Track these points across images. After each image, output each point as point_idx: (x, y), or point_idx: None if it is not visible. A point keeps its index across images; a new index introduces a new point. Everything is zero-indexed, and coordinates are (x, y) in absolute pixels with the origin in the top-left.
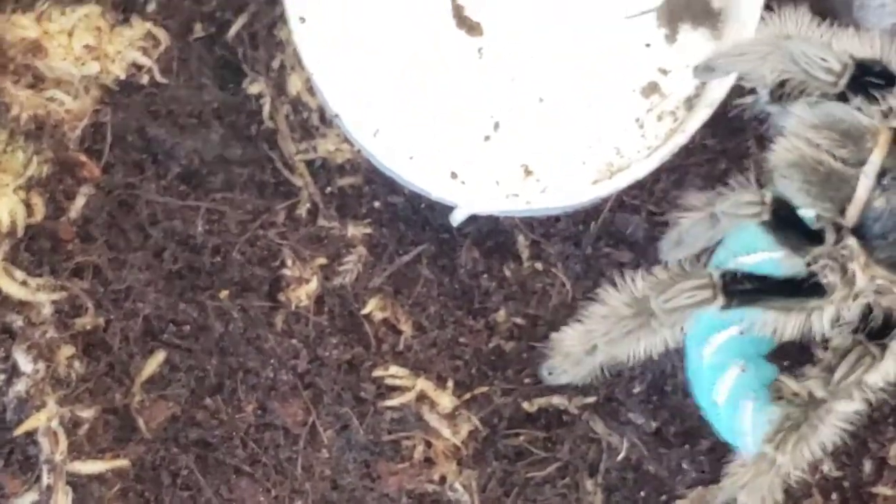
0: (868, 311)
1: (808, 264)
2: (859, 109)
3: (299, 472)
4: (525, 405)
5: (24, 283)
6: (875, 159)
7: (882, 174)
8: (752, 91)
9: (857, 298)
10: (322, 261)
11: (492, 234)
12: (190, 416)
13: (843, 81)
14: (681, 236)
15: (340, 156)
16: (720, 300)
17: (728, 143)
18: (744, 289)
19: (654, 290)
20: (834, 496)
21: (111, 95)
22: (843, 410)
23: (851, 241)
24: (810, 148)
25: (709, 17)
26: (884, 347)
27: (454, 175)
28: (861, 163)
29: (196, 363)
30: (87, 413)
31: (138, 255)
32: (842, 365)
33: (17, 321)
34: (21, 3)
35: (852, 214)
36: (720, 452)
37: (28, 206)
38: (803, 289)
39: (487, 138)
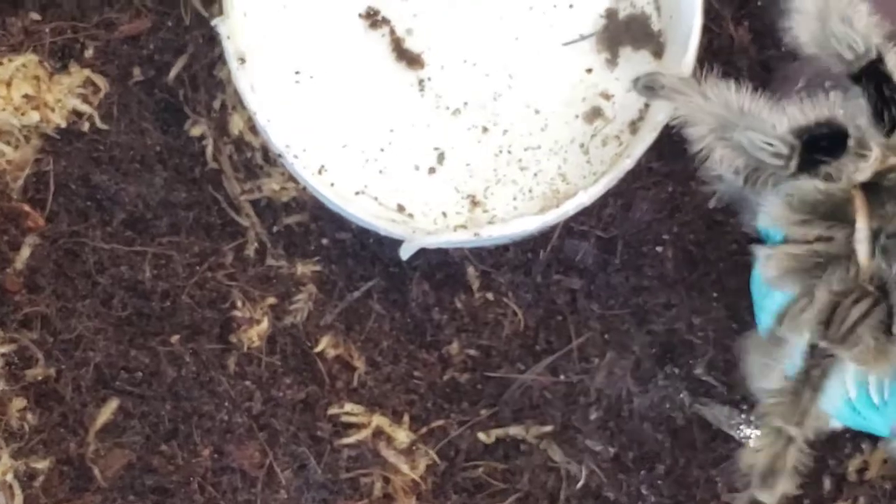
0: None
1: None
2: (828, 176)
3: None
4: (482, 437)
5: None
6: (861, 225)
7: (875, 236)
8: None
9: None
10: (272, 300)
11: (441, 266)
12: (146, 463)
13: (794, 163)
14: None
15: (286, 194)
16: (793, 167)
17: (674, 165)
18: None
19: (747, 117)
20: None
21: (53, 144)
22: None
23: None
24: (801, 248)
25: (649, 40)
26: None
27: (401, 209)
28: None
29: (150, 409)
30: (41, 465)
31: (87, 303)
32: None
33: None
34: None
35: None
36: (678, 475)
37: None
38: None
39: (433, 170)
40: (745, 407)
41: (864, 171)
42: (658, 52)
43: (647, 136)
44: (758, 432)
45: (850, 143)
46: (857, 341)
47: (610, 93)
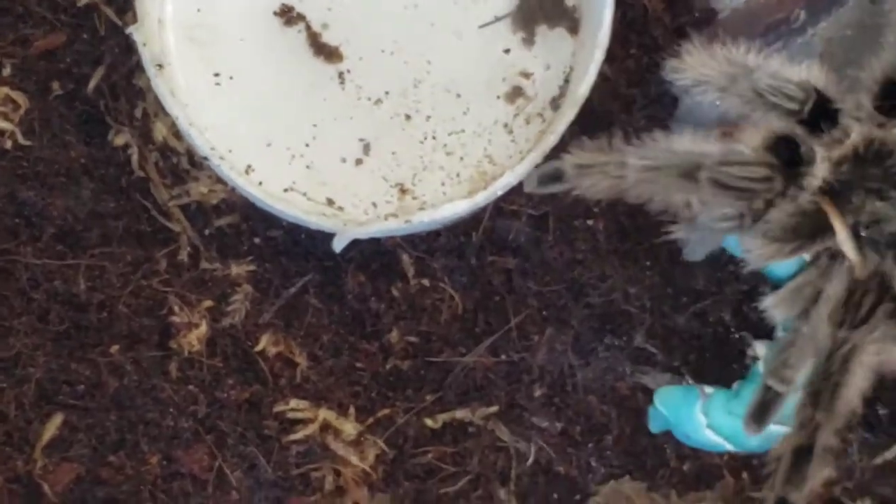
0: None
1: None
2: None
3: None
4: (429, 422)
5: None
6: (839, 226)
7: (856, 234)
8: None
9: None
10: (209, 303)
11: (375, 256)
12: (95, 476)
13: (779, 182)
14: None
15: (215, 196)
16: (779, 184)
17: (598, 137)
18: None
19: (713, 155)
20: (744, 475)
21: None
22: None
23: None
24: (799, 280)
25: (564, 16)
26: None
27: (331, 202)
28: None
29: (95, 421)
30: None
31: (23, 319)
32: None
33: None
34: None
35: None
36: (626, 444)
37: None
38: None
39: (360, 162)
40: (685, 372)
41: (819, 171)
42: (574, 28)
43: (569, 112)
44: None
45: (803, 149)
46: (875, 325)
47: (529, 71)
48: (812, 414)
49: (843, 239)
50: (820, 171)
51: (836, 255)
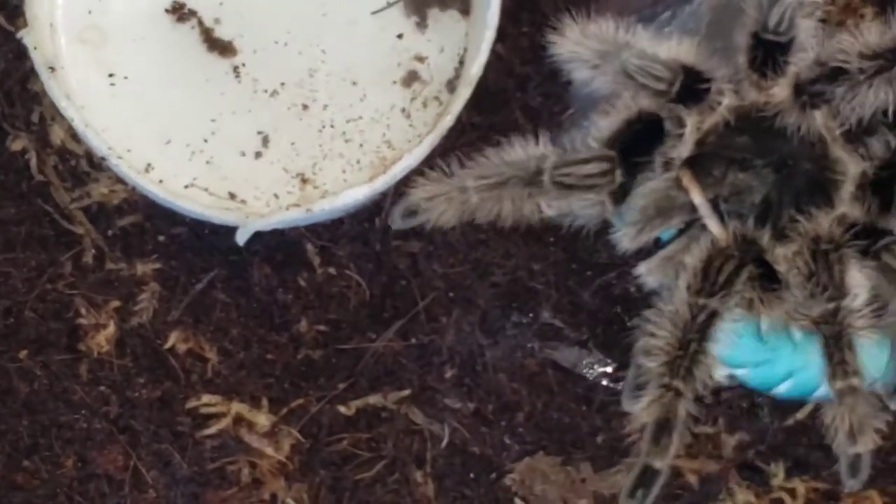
0: None
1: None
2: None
3: None
4: (342, 409)
5: None
6: (699, 200)
7: (715, 205)
8: None
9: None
10: (116, 304)
11: (280, 247)
12: (10, 481)
13: (619, 174)
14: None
15: (116, 197)
16: (619, 177)
17: (494, 117)
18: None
19: (548, 159)
20: None
21: None
22: None
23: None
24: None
25: None
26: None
27: (232, 196)
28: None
29: (7, 427)
30: None
31: None
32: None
33: None
34: None
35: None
36: (538, 420)
37: None
38: None
39: (259, 154)
40: (592, 346)
41: (685, 145)
42: (465, 10)
43: (464, 92)
44: (608, 370)
45: (667, 125)
46: (734, 295)
47: (423, 55)
48: (670, 382)
49: (703, 212)
50: (686, 145)
51: (704, 226)
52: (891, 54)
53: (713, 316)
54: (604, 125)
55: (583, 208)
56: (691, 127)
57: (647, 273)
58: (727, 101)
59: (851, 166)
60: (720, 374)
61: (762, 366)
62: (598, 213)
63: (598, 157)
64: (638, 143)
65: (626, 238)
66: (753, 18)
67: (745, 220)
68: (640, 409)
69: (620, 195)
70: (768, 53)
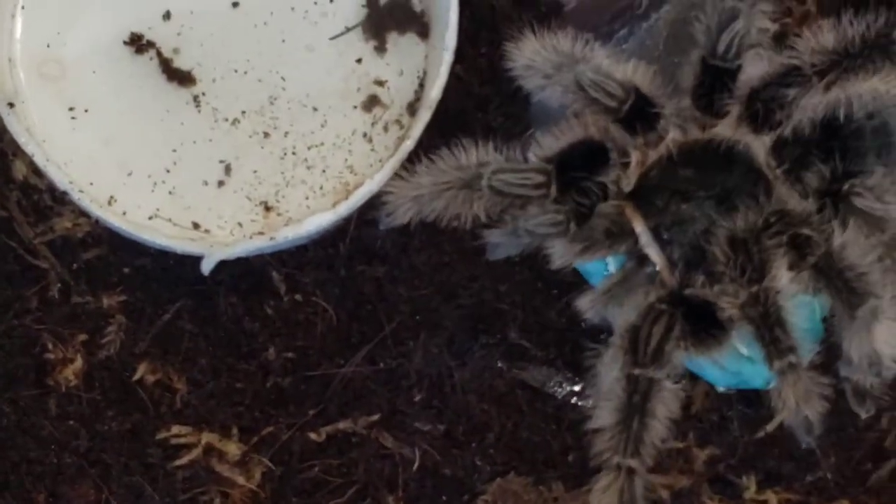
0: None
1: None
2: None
3: None
4: (313, 436)
5: None
6: (640, 228)
7: (657, 234)
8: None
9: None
10: (83, 337)
11: (246, 275)
12: None
13: (554, 189)
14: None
15: (80, 230)
16: (554, 191)
17: (455, 139)
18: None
19: (490, 165)
20: None
21: None
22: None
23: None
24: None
25: (413, 21)
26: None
27: (196, 226)
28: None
29: None
30: None
31: None
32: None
33: None
34: None
35: (666, 277)
36: (508, 440)
37: None
38: None
39: (222, 183)
40: (560, 365)
41: (629, 178)
42: (424, 33)
43: (424, 115)
44: (577, 388)
45: (613, 155)
46: (668, 358)
47: (383, 79)
48: (620, 462)
49: (644, 241)
50: (631, 178)
51: (642, 259)
52: (843, 52)
53: (651, 386)
54: (547, 143)
55: (541, 226)
56: (635, 161)
57: (587, 308)
58: (672, 135)
59: (791, 202)
60: (720, 389)
61: (754, 365)
62: (552, 234)
63: (535, 169)
64: (580, 164)
65: (562, 255)
66: (702, 45)
67: (685, 256)
68: (597, 495)
69: (584, 219)
70: (716, 79)
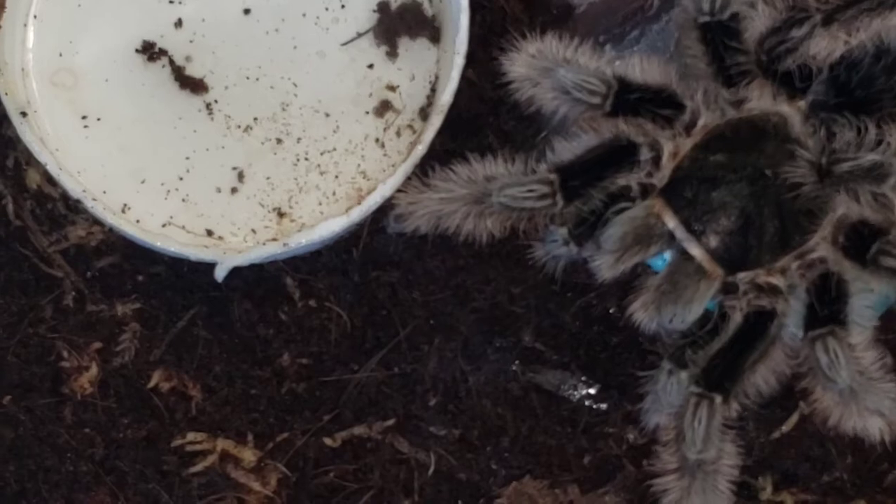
0: None
1: None
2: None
3: None
4: (328, 441)
5: None
6: (673, 224)
7: (688, 226)
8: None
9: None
10: (98, 345)
11: (260, 282)
12: None
13: (560, 197)
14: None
15: (94, 238)
16: (560, 200)
17: (468, 143)
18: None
19: (497, 180)
20: (644, 463)
21: None
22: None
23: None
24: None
25: (425, 26)
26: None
27: (210, 233)
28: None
29: None
30: None
31: None
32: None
33: None
34: None
35: (709, 268)
36: (523, 444)
37: None
38: None
39: (235, 190)
40: (575, 368)
41: (664, 171)
42: (435, 37)
43: (436, 120)
44: (592, 391)
45: (643, 151)
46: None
47: (395, 84)
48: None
49: (680, 236)
50: (664, 171)
51: (685, 251)
52: None
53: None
54: (560, 150)
55: (550, 245)
56: (669, 153)
57: (642, 311)
58: (704, 120)
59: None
60: None
61: None
62: (560, 251)
63: (539, 181)
64: (595, 169)
65: (603, 266)
66: (691, 10)
67: (726, 238)
68: None
69: (586, 234)
70: (718, 41)
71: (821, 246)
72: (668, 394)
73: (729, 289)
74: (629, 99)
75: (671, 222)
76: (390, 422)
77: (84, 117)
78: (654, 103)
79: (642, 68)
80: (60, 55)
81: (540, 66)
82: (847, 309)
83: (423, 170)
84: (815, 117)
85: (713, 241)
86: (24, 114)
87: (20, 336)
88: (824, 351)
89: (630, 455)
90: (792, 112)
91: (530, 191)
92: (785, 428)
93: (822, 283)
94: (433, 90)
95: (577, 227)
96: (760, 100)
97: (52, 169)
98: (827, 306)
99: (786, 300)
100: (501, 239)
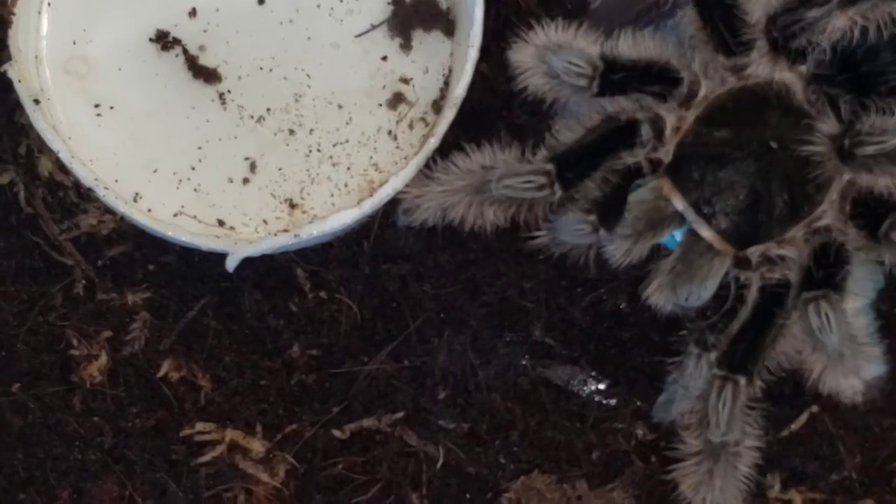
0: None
1: None
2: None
3: None
4: (337, 433)
5: None
6: (681, 206)
7: (697, 208)
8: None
9: None
10: (108, 334)
11: (270, 272)
12: None
13: (558, 187)
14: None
15: (105, 227)
16: (558, 190)
17: (480, 137)
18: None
19: (495, 171)
20: (653, 459)
21: None
22: None
23: None
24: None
25: (439, 19)
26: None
27: (221, 223)
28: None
29: (2, 460)
30: None
31: None
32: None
33: None
34: None
35: (721, 248)
36: (532, 438)
37: None
38: None
39: (247, 180)
40: (584, 363)
41: (668, 146)
42: (449, 31)
43: (449, 113)
44: (602, 386)
45: (645, 128)
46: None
47: (408, 77)
48: None
49: (689, 217)
50: (670, 144)
51: (696, 234)
52: None
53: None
54: (562, 134)
55: (572, 232)
56: (671, 127)
57: (657, 293)
58: (704, 90)
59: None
60: None
61: None
62: (583, 238)
63: (535, 171)
64: (593, 154)
65: (618, 252)
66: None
67: (735, 216)
68: None
69: (613, 217)
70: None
71: (827, 213)
72: (697, 378)
73: (742, 264)
74: (614, 79)
75: (680, 204)
76: (399, 414)
77: (97, 106)
78: (644, 80)
79: (632, 44)
80: (74, 43)
81: (537, 54)
82: (844, 275)
83: (437, 163)
84: (817, 85)
85: (723, 222)
86: (37, 101)
87: (30, 324)
88: (816, 313)
89: (639, 451)
90: (794, 79)
91: (528, 181)
92: (794, 426)
93: (823, 249)
94: (446, 83)
95: (603, 211)
96: (760, 65)
97: (65, 157)
98: (823, 270)
99: (799, 269)
100: (511, 233)
